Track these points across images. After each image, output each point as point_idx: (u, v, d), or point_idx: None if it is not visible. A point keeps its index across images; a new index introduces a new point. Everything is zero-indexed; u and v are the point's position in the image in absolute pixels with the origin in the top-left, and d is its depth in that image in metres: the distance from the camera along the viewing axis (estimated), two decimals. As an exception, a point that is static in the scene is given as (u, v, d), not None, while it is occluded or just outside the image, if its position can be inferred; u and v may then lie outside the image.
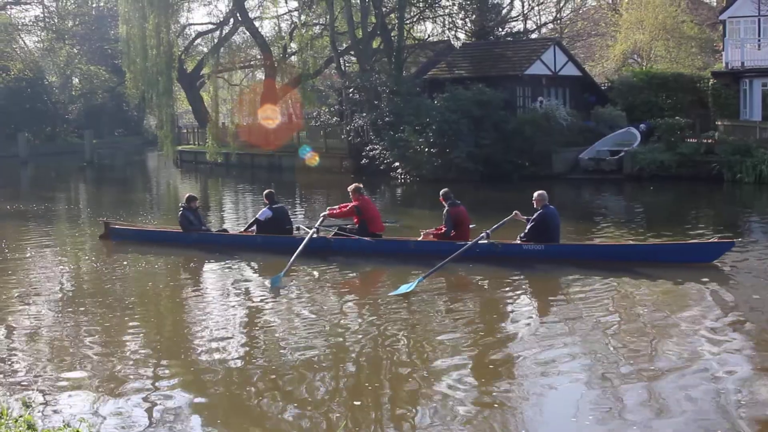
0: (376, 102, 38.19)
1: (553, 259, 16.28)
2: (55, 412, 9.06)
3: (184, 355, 11.31)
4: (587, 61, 58.52)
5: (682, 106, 38.78)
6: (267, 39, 53.86)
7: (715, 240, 16.73)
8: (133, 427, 8.71)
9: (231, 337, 12.05)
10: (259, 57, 56.73)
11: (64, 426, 6.37)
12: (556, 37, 49.27)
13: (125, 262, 18.31)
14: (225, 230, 21.03)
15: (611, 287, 14.44)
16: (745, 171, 29.75)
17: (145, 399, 9.52)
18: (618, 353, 10.66)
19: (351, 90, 40.29)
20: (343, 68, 46.44)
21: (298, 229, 19.15)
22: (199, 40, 61.03)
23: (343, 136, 41.65)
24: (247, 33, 55.66)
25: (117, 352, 11.40)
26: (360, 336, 11.87)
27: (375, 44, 44.70)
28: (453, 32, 51.35)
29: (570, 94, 40.61)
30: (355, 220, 18.36)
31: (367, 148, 37.45)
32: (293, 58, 53.47)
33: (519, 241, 16.71)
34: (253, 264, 17.85)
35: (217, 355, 11.15)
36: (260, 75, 62.12)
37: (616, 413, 8.76)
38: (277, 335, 12.17)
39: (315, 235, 17.86)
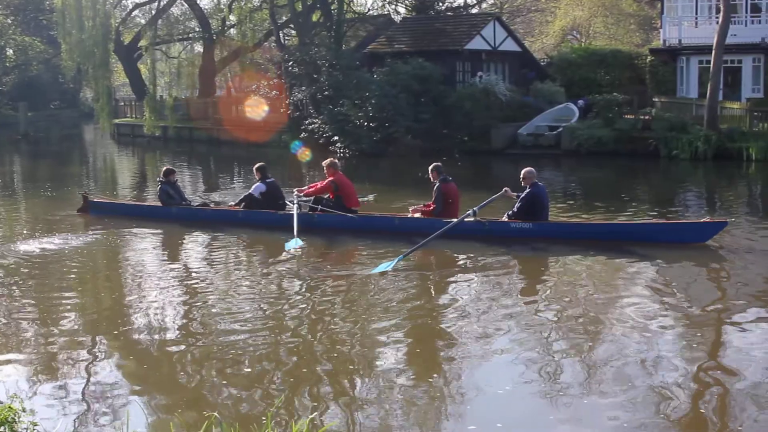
0: (315, 76, 37.95)
1: (541, 238, 15.91)
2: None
3: (125, 333, 11.04)
4: (527, 36, 58.83)
5: (620, 82, 39.16)
6: (205, 11, 53.33)
7: (709, 220, 16.34)
8: (67, 403, 8.61)
9: (181, 315, 11.86)
10: (197, 29, 56.11)
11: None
12: (496, 13, 49.40)
13: (101, 238, 17.68)
14: (206, 204, 20.54)
15: (599, 267, 14.19)
16: (681, 147, 30.14)
17: (80, 376, 9.40)
18: (595, 336, 10.49)
19: (290, 63, 39.99)
20: (282, 41, 46.06)
21: (291, 203, 18.23)
22: (136, 12, 60.24)
23: (282, 110, 41.35)
24: (186, 5, 55.02)
25: (57, 330, 11.17)
26: (324, 315, 11.66)
27: (315, 17, 44.44)
28: (393, 6, 51.33)
29: (509, 70, 40.80)
30: (330, 195, 17.83)
31: (307, 122, 37.25)
32: (232, 31, 52.96)
33: (506, 219, 16.34)
34: (229, 239, 17.44)
35: (161, 333, 11.01)
36: (199, 48, 61.48)
37: (578, 394, 8.76)
38: (233, 312, 11.79)
39: (298, 211, 17.52)
